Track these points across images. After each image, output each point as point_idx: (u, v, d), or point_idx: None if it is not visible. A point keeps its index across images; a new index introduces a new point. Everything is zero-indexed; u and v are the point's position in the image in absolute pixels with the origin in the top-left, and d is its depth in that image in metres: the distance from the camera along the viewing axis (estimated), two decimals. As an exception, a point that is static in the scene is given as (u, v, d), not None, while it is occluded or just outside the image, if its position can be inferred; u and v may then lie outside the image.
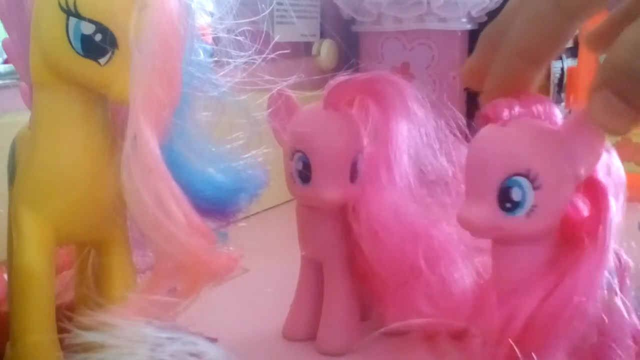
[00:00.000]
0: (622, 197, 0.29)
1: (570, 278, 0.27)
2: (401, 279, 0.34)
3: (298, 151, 0.36)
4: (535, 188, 0.27)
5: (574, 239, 0.28)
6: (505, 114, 0.28)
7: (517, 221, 0.27)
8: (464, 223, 0.28)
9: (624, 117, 0.23)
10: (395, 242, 0.34)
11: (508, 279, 0.28)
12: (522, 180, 0.27)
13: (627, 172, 0.30)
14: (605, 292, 0.27)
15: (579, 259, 0.27)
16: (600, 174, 0.28)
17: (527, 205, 0.27)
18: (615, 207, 0.27)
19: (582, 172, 0.27)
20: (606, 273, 0.27)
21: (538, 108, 0.28)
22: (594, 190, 0.27)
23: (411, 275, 0.34)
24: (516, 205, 0.27)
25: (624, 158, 0.30)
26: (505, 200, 0.27)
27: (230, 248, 0.29)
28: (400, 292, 0.34)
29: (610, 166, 0.29)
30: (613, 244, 0.28)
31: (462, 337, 0.31)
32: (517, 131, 0.27)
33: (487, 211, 0.28)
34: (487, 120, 0.29)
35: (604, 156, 0.28)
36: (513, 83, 0.28)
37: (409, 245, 0.34)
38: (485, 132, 0.28)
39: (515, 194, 0.27)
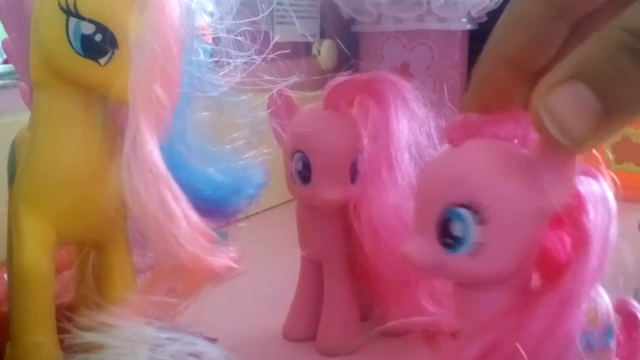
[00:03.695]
0: (612, 230, 0.23)
1: (519, 328, 0.22)
2: (403, 278, 0.34)
3: (298, 151, 0.36)
4: (480, 222, 0.22)
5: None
6: (458, 133, 0.23)
7: (459, 260, 0.22)
8: (405, 259, 0.24)
9: (590, 118, 0.19)
10: (397, 241, 0.34)
11: (466, 323, 0.24)
12: (464, 212, 0.22)
13: (627, 172, 0.28)
14: (583, 350, 0.22)
15: (534, 307, 0.22)
16: (589, 209, 0.22)
17: (470, 243, 0.22)
18: (600, 250, 0.22)
19: (549, 204, 0.22)
20: (579, 330, 0.22)
21: (508, 128, 0.23)
22: (575, 229, 0.22)
23: (413, 274, 0.34)
24: (457, 241, 0.22)
25: (624, 158, 0.29)
26: (445, 235, 0.23)
27: (230, 248, 0.29)
28: (403, 292, 0.34)
29: (602, 197, 0.23)
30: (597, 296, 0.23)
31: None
32: (466, 154, 0.23)
33: (427, 246, 0.23)
34: (443, 139, 0.24)
35: (595, 186, 0.23)
36: (496, 94, 0.24)
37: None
38: (437, 154, 0.25)
39: (456, 228, 0.22)
